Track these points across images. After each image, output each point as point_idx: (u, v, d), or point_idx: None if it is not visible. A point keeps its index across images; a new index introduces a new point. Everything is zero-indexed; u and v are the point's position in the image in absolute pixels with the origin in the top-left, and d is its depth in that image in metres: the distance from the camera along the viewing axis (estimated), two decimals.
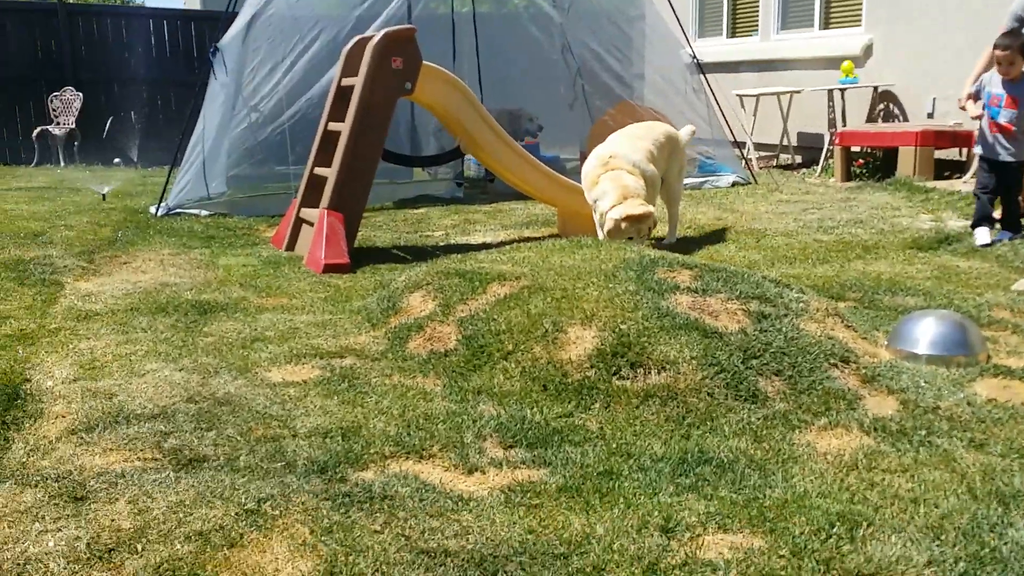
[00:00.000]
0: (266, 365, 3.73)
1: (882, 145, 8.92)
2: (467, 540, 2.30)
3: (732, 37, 12.03)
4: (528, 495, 2.55)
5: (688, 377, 3.24)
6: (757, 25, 11.49)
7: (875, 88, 9.75)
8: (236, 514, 2.42)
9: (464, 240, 6.73)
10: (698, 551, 2.23)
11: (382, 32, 6.08)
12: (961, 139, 8.42)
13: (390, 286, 4.70)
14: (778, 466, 2.73)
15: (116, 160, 12.60)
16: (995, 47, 5.70)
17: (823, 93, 10.06)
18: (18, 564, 2.19)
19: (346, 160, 5.93)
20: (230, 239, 6.80)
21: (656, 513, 2.41)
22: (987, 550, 2.20)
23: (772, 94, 10.29)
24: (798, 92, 10.18)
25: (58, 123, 13.04)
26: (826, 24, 10.61)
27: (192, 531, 2.33)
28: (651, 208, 5.49)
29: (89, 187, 9.45)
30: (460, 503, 2.52)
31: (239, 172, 8.22)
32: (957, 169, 8.60)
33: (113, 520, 2.40)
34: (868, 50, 9.83)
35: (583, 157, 9.80)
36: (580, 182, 6.70)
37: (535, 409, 3.17)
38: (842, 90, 9.86)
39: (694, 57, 9.16)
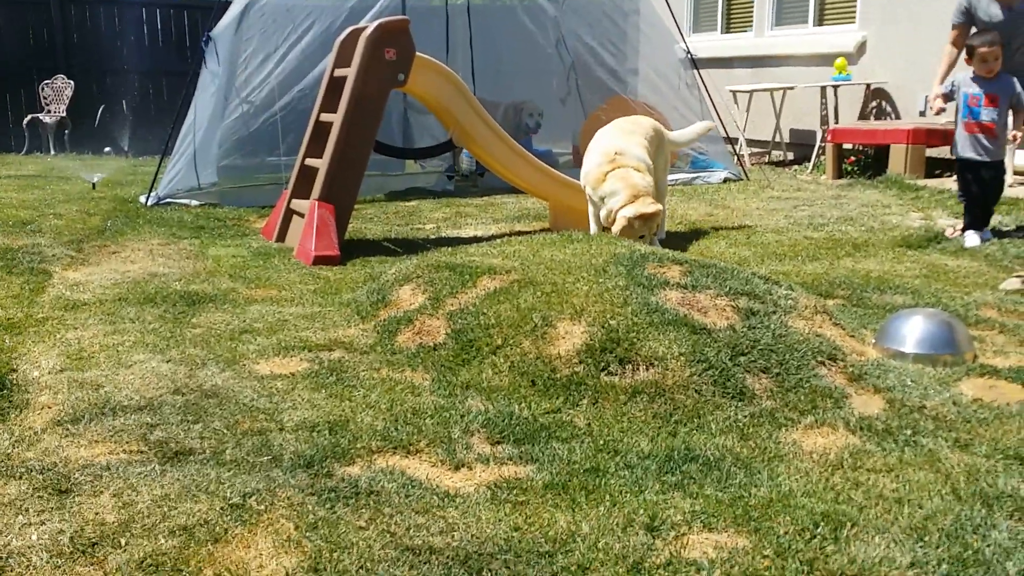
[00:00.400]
0: (254, 357, 3.72)
1: (874, 143, 8.93)
2: (452, 537, 2.30)
3: (726, 33, 12.03)
4: (514, 492, 2.55)
5: (676, 374, 3.24)
6: (751, 21, 11.48)
7: (868, 85, 9.76)
8: (221, 508, 2.41)
9: (455, 233, 6.72)
10: (682, 550, 2.24)
11: (376, 23, 6.05)
12: (952, 138, 8.41)
13: (380, 279, 4.69)
14: (764, 464, 2.74)
15: (107, 149, 12.54)
16: (981, 45, 5.66)
17: (816, 90, 10.07)
18: (0, 558, 2.19)
19: (338, 151, 5.90)
20: (220, 230, 6.77)
21: (641, 511, 2.42)
22: (970, 552, 2.21)
23: (765, 90, 10.29)
24: (791, 88, 10.19)
25: (49, 111, 12.95)
26: (820, 21, 10.62)
27: (176, 525, 2.33)
28: (660, 206, 5.49)
29: (79, 176, 9.40)
30: (446, 499, 2.51)
31: (230, 162, 8.18)
32: (948, 167, 8.60)
33: (97, 513, 2.39)
34: (862, 47, 9.84)
35: (576, 151, 9.83)
36: (572, 176, 6.74)
37: (523, 405, 3.17)
38: (835, 87, 9.88)
39: (688, 52, 9.15)
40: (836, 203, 7.59)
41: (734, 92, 10.53)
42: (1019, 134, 5.71)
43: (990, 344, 3.84)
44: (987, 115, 5.70)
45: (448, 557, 2.20)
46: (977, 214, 5.89)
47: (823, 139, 9.71)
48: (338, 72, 6.26)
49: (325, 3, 8.20)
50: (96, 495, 2.50)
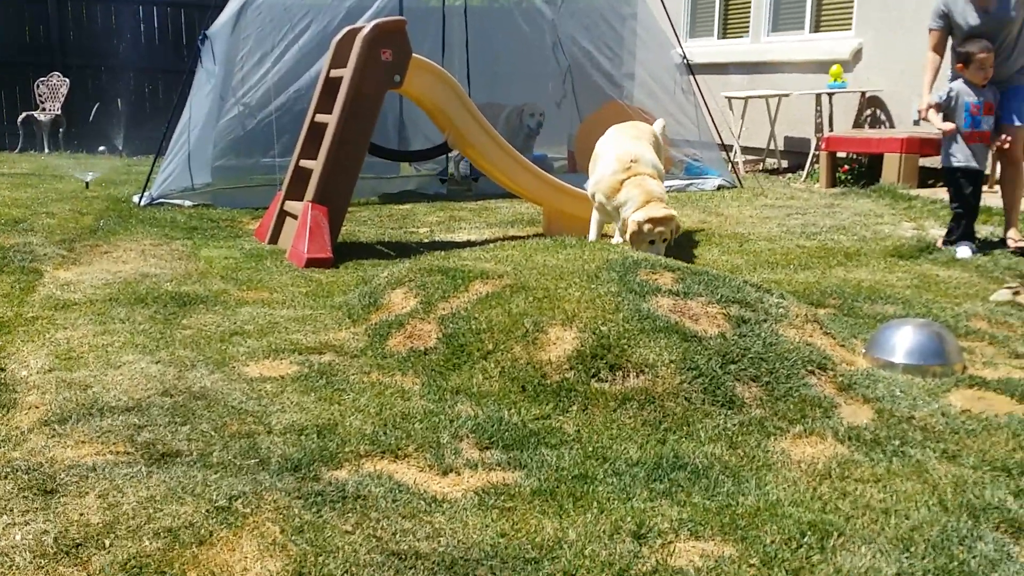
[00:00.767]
0: (244, 359, 3.71)
1: (868, 151, 8.94)
2: (439, 542, 2.29)
3: (723, 38, 12.04)
4: (502, 498, 2.55)
5: (666, 381, 3.24)
6: (748, 26, 11.50)
7: (863, 93, 9.77)
8: (207, 511, 2.40)
9: (449, 237, 6.72)
10: (669, 558, 2.24)
11: (372, 23, 6.04)
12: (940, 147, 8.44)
13: (372, 282, 4.68)
14: (752, 473, 2.74)
15: (101, 148, 12.49)
16: (980, 51, 5.61)
17: (811, 97, 10.08)
18: None
19: (332, 153, 5.90)
20: (213, 231, 6.76)
21: (629, 519, 2.41)
22: (956, 563, 2.21)
23: (760, 97, 10.30)
24: (786, 95, 10.20)
25: (44, 109, 12.91)
26: (817, 27, 10.63)
27: (161, 527, 2.32)
28: (673, 211, 5.31)
29: (73, 175, 9.37)
30: (433, 504, 2.51)
31: (224, 163, 8.16)
32: (941, 177, 8.63)
33: (82, 514, 2.38)
34: (857, 54, 9.85)
35: (571, 156, 9.83)
36: (566, 181, 6.74)
37: (513, 410, 3.16)
38: (830, 94, 9.89)
39: (684, 57, 9.15)
40: (829, 212, 7.60)
41: (729, 98, 10.54)
42: (1009, 139, 5.71)
43: (980, 355, 3.85)
44: (986, 123, 5.71)
45: (434, 563, 2.19)
46: (971, 225, 5.90)
47: (817, 147, 9.73)
48: (334, 73, 6.26)
49: (322, 2, 8.18)
50: (81, 496, 2.49)
